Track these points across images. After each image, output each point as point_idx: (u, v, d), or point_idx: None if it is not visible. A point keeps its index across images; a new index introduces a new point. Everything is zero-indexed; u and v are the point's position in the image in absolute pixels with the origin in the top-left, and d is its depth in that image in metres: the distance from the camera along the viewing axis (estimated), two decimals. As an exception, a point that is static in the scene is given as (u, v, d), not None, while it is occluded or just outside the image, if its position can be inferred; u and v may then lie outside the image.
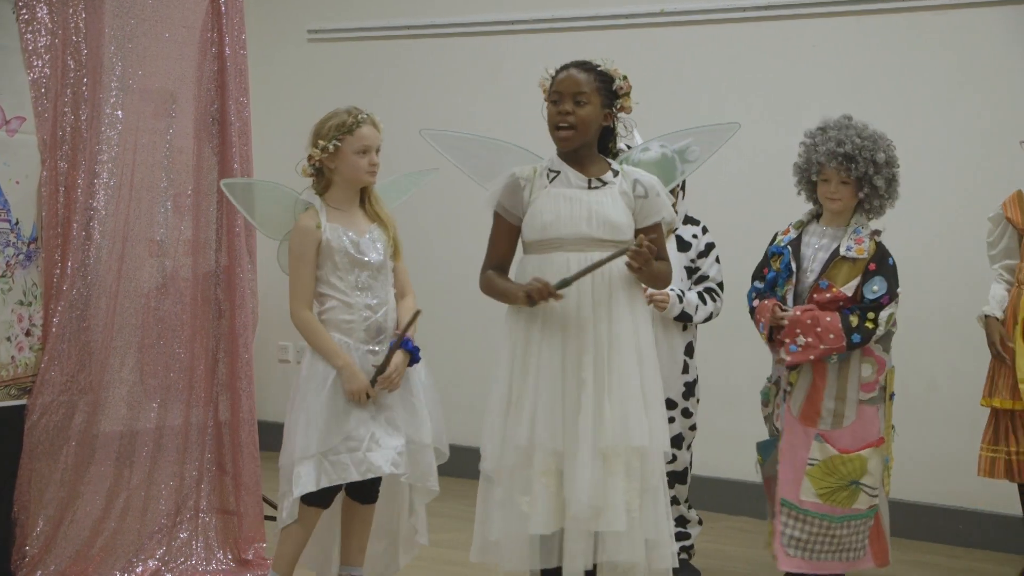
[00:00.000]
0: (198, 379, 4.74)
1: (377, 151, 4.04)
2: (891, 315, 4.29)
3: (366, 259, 4.02)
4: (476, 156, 4.11)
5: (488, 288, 3.69)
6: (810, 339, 4.24)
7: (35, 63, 4.29)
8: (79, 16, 4.40)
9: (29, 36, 4.28)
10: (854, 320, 4.23)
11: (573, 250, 3.54)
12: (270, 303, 5.51)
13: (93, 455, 4.45)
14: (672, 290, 4.55)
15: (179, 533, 4.65)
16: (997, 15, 5.51)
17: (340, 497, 4.10)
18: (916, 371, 5.40)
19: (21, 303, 4.29)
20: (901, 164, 4.37)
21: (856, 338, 4.23)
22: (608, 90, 3.59)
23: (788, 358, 4.28)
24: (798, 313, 4.27)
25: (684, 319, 4.63)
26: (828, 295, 4.27)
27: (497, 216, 3.69)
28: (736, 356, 5.44)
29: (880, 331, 4.28)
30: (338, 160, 4.01)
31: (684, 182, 4.60)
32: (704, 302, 4.64)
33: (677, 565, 3.66)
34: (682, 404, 4.69)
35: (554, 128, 3.60)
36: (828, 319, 4.23)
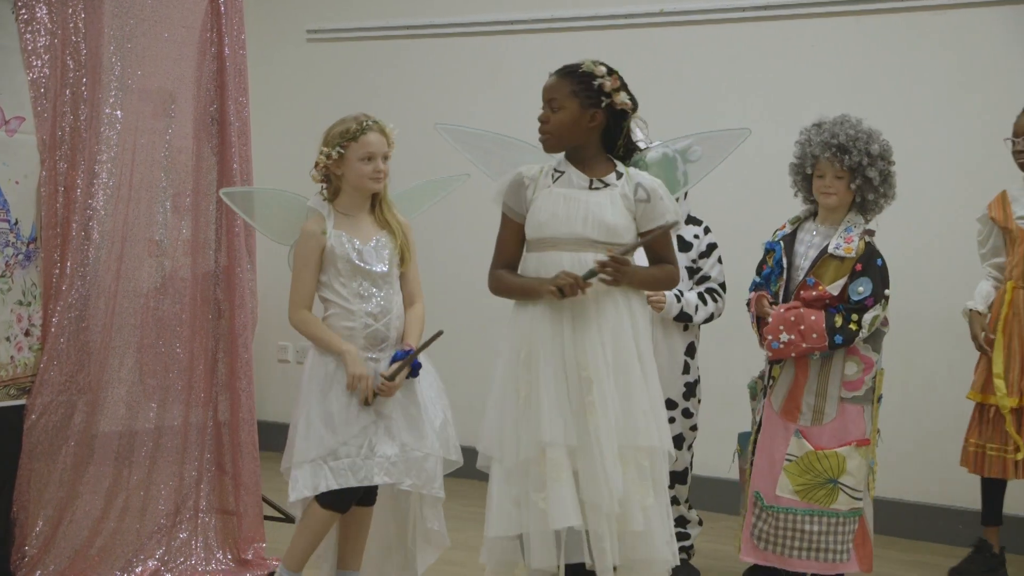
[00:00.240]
0: (197, 379, 4.74)
1: (385, 158, 4.03)
2: (875, 317, 4.28)
3: (368, 268, 4.01)
4: (490, 152, 4.12)
5: (501, 287, 3.68)
6: (793, 336, 4.25)
7: (34, 63, 4.29)
8: (78, 16, 4.40)
9: (28, 36, 4.28)
10: (838, 320, 4.23)
11: (568, 250, 3.53)
12: (270, 303, 5.51)
13: (92, 455, 4.45)
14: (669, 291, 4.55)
15: (179, 533, 4.65)
16: (996, 15, 5.51)
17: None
18: (915, 371, 5.41)
19: (20, 303, 4.29)
20: (901, 164, 4.38)
21: (839, 339, 4.23)
22: (589, 90, 3.55)
23: (769, 353, 4.33)
24: (782, 310, 4.29)
25: (684, 319, 4.63)
26: (814, 293, 4.28)
27: (504, 215, 3.70)
28: (736, 356, 5.44)
29: (864, 333, 4.27)
30: (344, 167, 4.02)
31: None
32: (705, 302, 4.64)
33: (678, 563, 3.66)
34: (683, 404, 4.69)
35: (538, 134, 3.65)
36: (812, 318, 4.24)
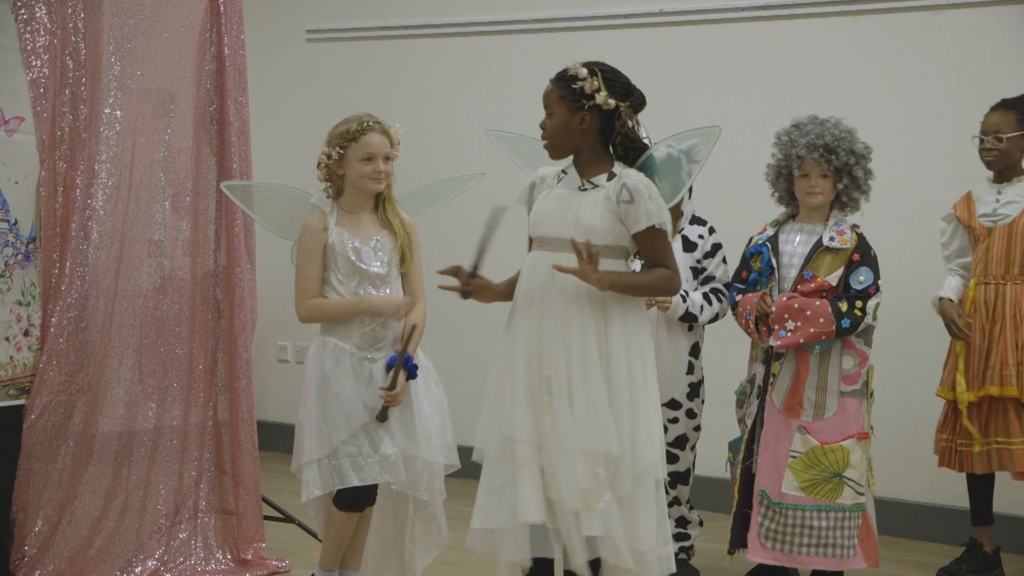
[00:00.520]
0: (197, 379, 4.74)
1: (387, 159, 4.04)
2: (878, 304, 4.35)
3: (365, 268, 4.02)
4: (535, 157, 4.12)
5: None
6: (799, 323, 4.29)
7: (34, 63, 4.30)
8: (78, 16, 4.40)
9: (28, 36, 4.28)
10: (843, 306, 4.29)
11: (550, 249, 3.55)
12: (269, 303, 5.51)
13: (91, 455, 4.45)
14: (675, 290, 4.55)
15: (178, 533, 4.65)
16: (994, 15, 5.51)
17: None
18: (914, 371, 5.40)
19: (19, 303, 4.29)
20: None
21: (846, 323, 4.28)
22: (573, 93, 3.54)
23: (777, 343, 4.32)
24: (784, 299, 4.33)
25: (689, 320, 4.63)
26: (812, 285, 4.33)
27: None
28: (737, 357, 5.42)
29: (868, 320, 4.33)
30: (345, 167, 4.03)
31: None
32: (710, 302, 4.64)
33: (674, 570, 3.65)
34: (686, 405, 4.68)
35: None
36: (817, 303, 4.29)
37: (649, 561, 3.52)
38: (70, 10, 4.38)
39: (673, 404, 4.62)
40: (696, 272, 4.68)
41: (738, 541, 4.55)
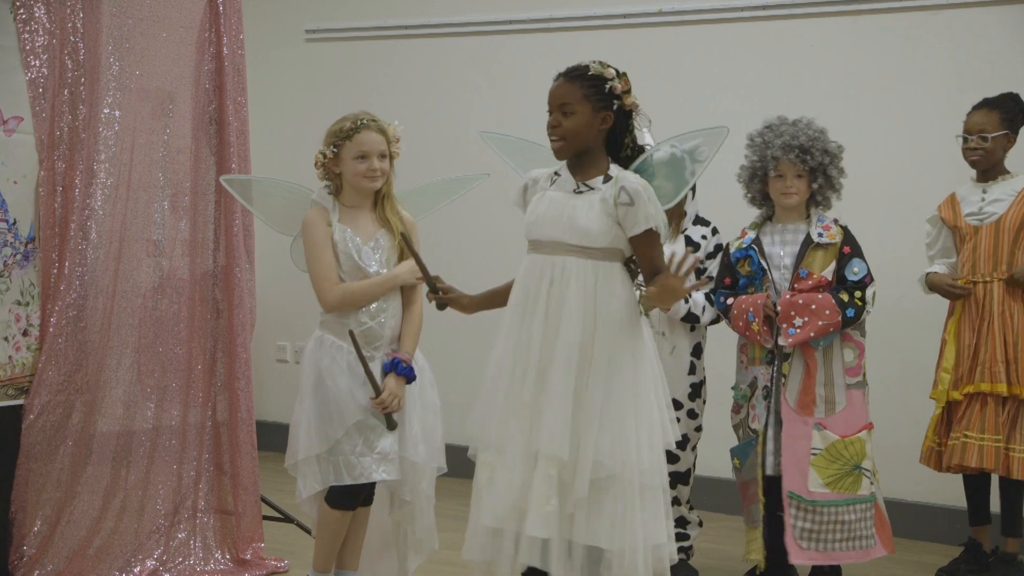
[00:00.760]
0: (196, 379, 4.74)
1: (382, 156, 4.02)
2: (874, 293, 4.43)
3: (365, 267, 4.01)
4: (530, 160, 4.11)
5: None
6: (806, 318, 4.35)
7: (33, 63, 4.29)
8: (77, 16, 4.40)
9: (27, 36, 4.28)
10: (844, 296, 4.38)
11: (546, 252, 3.52)
12: (268, 303, 5.51)
13: (90, 455, 4.44)
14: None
15: (177, 533, 4.65)
16: (994, 15, 5.52)
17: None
18: (913, 371, 5.40)
19: (18, 303, 4.29)
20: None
21: (850, 312, 4.37)
22: (600, 93, 3.52)
23: (788, 341, 4.37)
24: (788, 296, 4.39)
25: (691, 320, 4.63)
26: (810, 282, 4.39)
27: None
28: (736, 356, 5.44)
29: (869, 308, 4.41)
30: (340, 165, 4.03)
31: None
32: (712, 304, 4.65)
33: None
34: (688, 405, 4.69)
35: (548, 140, 3.61)
36: (820, 297, 4.36)
37: (618, 568, 3.49)
38: (69, 10, 4.38)
39: (675, 404, 4.62)
40: (698, 273, 4.68)
41: (772, 547, 4.52)
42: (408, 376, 3.98)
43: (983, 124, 4.79)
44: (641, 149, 3.69)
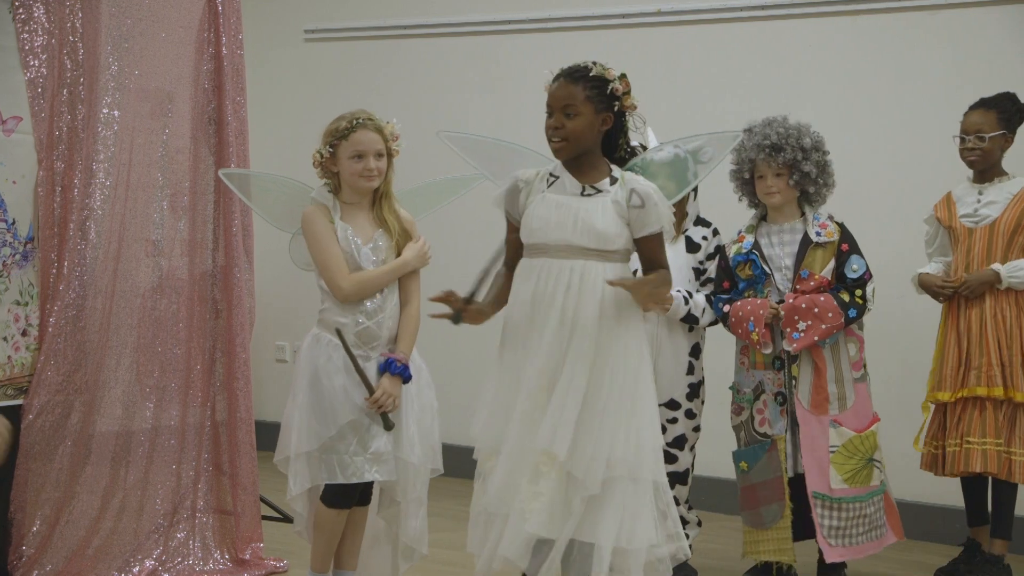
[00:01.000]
0: (195, 379, 4.74)
1: (379, 156, 4.00)
2: (874, 289, 4.47)
3: (364, 268, 4.01)
4: (493, 159, 4.10)
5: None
6: (810, 322, 4.37)
7: (32, 63, 4.29)
8: (76, 16, 4.40)
9: (26, 36, 4.28)
10: (845, 296, 4.41)
11: (557, 257, 3.49)
12: (267, 303, 5.51)
13: (89, 455, 4.44)
14: (679, 291, 4.56)
15: (176, 533, 4.65)
16: (993, 15, 5.52)
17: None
18: (914, 371, 5.39)
19: (17, 303, 4.29)
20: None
21: (852, 312, 4.41)
22: (603, 94, 3.51)
23: (794, 345, 4.39)
24: (791, 300, 4.41)
25: (690, 321, 4.63)
26: (812, 283, 4.43)
27: (506, 219, 3.70)
28: (735, 357, 5.44)
29: (870, 305, 4.46)
30: (337, 164, 4.02)
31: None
32: (712, 305, 4.65)
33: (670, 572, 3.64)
34: (686, 405, 4.68)
35: (548, 140, 3.57)
36: (822, 299, 4.39)
37: (631, 565, 3.49)
38: (68, 10, 4.38)
39: (672, 404, 4.62)
40: (698, 273, 4.69)
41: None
42: (403, 375, 3.97)
43: (980, 124, 4.77)
44: (634, 150, 3.70)
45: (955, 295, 4.75)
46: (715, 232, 4.73)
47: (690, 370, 4.69)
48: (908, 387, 5.39)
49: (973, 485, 4.86)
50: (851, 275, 4.43)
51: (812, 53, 5.85)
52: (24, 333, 4.31)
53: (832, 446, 4.42)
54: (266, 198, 4.31)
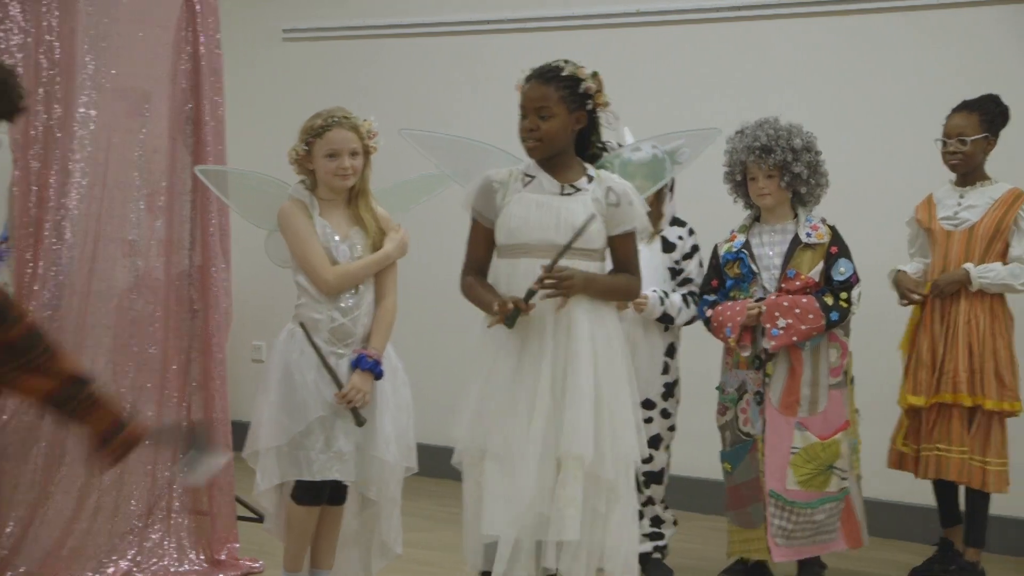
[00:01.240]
0: (171, 379, 4.73)
1: (353, 154, 3.99)
2: (860, 293, 4.46)
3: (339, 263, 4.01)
4: (457, 157, 4.10)
5: (468, 294, 3.65)
6: (790, 320, 4.36)
7: (7, 62, 4.27)
8: (52, 15, 4.38)
9: (1, 35, 4.26)
10: (829, 299, 4.41)
11: (540, 256, 3.47)
12: (244, 302, 5.49)
13: (63, 456, 4.42)
14: (655, 291, 4.56)
15: (151, 534, 4.63)
16: (993, 15, 5.50)
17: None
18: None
19: (-8, 303, 4.26)
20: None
21: (834, 316, 4.40)
22: (576, 93, 3.50)
23: (772, 343, 4.39)
24: (773, 297, 4.41)
25: (666, 321, 4.64)
26: (798, 283, 4.42)
27: (473, 220, 3.66)
28: (714, 356, 5.43)
29: (855, 309, 4.45)
30: (312, 162, 4.02)
31: (673, 182, 4.63)
32: (688, 304, 4.66)
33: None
34: (661, 405, 4.69)
35: (522, 141, 3.56)
36: (804, 300, 4.38)
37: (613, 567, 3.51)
38: (44, 8, 4.36)
39: (648, 404, 4.63)
40: (674, 273, 4.70)
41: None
42: (374, 371, 3.96)
43: (962, 127, 4.74)
44: (605, 147, 3.70)
45: (925, 300, 4.76)
46: (691, 232, 4.74)
47: (665, 370, 4.70)
48: (897, 388, 5.40)
49: (945, 487, 4.88)
50: (838, 277, 4.43)
51: (798, 53, 5.84)
52: (-1, 333, 4.28)
53: (794, 447, 4.41)
54: (243, 195, 4.30)
